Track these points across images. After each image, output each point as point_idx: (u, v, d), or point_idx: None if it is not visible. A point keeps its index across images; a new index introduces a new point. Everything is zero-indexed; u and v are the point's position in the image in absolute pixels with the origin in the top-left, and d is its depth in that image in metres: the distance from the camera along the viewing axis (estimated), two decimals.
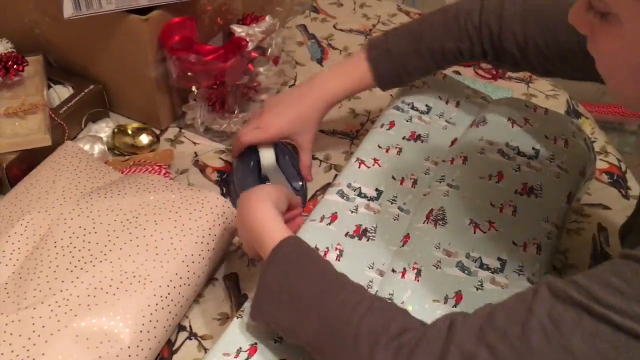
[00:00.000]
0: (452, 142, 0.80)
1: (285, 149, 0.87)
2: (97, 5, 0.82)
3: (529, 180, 0.71)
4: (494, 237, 0.65)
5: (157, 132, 0.95)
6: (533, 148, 0.73)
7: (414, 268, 0.63)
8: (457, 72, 1.09)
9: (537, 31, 0.73)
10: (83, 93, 0.93)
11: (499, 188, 0.70)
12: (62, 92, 0.94)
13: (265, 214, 0.63)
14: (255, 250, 0.65)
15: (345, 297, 0.53)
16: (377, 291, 0.62)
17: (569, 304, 0.43)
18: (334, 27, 1.22)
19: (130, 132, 0.92)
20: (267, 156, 0.84)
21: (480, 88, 0.99)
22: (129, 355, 0.62)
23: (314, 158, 0.93)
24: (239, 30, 0.93)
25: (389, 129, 0.81)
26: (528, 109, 0.78)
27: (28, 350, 0.58)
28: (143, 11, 0.85)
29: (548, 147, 0.74)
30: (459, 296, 0.60)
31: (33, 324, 0.61)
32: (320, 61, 1.14)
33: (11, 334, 0.59)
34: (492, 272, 0.62)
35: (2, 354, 0.58)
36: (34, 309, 0.62)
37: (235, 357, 0.57)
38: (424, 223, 0.67)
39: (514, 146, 0.73)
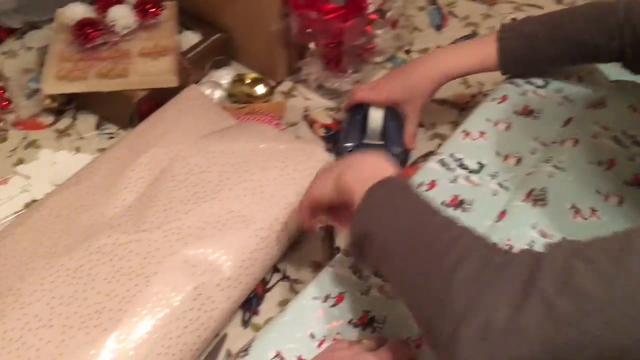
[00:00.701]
0: (566, 122, 0.78)
1: (396, 115, 0.88)
2: None
3: None
4: (594, 225, 0.64)
5: (273, 84, 1.00)
6: None
7: (506, 245, 0.63)
8: None
9: None
10: (209, 41, 0.99)
11: (608, 176, 0.68)
12: (191, 38, 1.01)
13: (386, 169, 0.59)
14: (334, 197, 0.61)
15: (443, 221, 0.51)
16: None
17: None
18: None
19: (248, 81, 0.97)
20: (375, 116, 0.86)
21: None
22: (228, 286, 0.68)
23: (419, 125, 0.93)
24: None
25: (500, 102, 0.80)
26: None
27: (143, 267, 0.66)
28: None
29: None
30: None
31: (149, 245, 0.68)
32: (439, 28, 1.13)
33: (130, 251, 0.67)
34: None
35: (121, 267, 0.66)
36: (151, 233, 0.69)
37: (323, 301, 0.61)
38: (522, 201, 0.67)
39: (631, 134, 0.70)
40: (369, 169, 0.59)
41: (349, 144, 0.87)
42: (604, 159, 0.68)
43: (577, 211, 0.65)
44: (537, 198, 0.66)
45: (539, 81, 0.82)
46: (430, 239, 0.50)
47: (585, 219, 0.65)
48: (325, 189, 0.62)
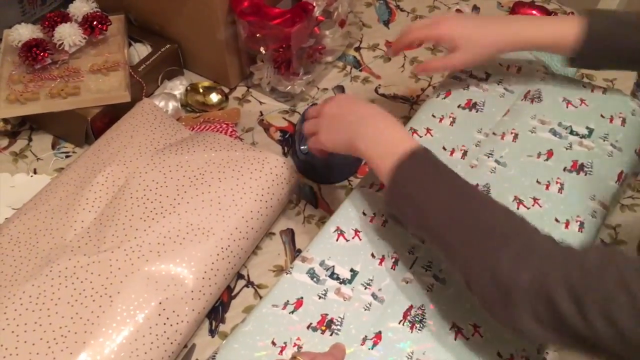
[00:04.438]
0: (506, 113, 0.81)
1: None
2: None
3: (580, 158, 0.71)
4: (536, 213, 0.67)
5: (226, 90, 1.01)
6: (587, 127, 0.74)
7: None
8: None
9: None
10: (160, 52, 1.00)
11: (548, 166, 0.71)
12: (141, 50, 1.01)
13: (391, 122, 0.64)
14: (337, 143, 0.68)
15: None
16: None
17: None
18: None
19: (201, 90, 0.98)
20: None
21: (546, 58, 0.97)
22: (192, 299, 0.70)
23: None
24: None
25: (444, 98, 0.82)
26: (585, 89, 0.77)
27: (106, 288, 0.67)
28: None
29: (603, 125, 0.74)
30: None
31: (111, 265, 0.69)
32: (387, 23, 1.15)
33: (92, 273, 0.68)
34: None
35: (83, 289, 0.67)
36: (112, 252, 0.70)
37: (283, 308, 0.63)
38: None
39: (566, 125, 0.73)
40: (386, 140, 0.63)
41: (304, 147, 0.89)
42: (543, 151, 0.72)
43: (519, 202, 0.68)
44: None
45: (481, 74, 0.84)
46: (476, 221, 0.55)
47: (528, 208, 0.68)
48: (336, 146, 0.68)
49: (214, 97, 0.98)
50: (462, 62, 0.77)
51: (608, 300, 0.45)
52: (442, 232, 0.57)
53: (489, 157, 0.73)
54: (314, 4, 0.94)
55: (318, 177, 0.91)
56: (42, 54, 0.91)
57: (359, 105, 0.68)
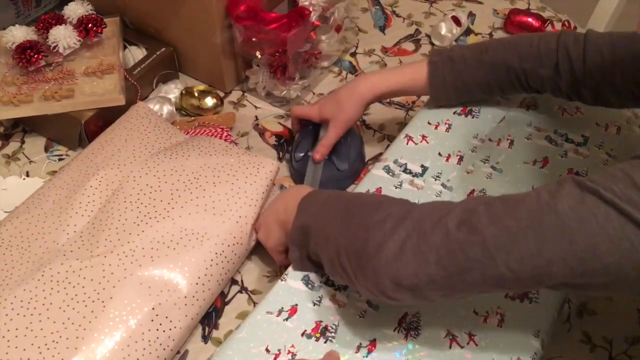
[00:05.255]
0: (502, 120, 0.81)
1: (350, 131, 0.86)
2: None
3: (575, 166, 0.72)
4: None
5: (222, 95, 1.01)
6: (582, 135, 0.74)
7: None
8: None
9: (627, 56, 0.67)
10: (155, 55, 0.99)
11: (543, 173, 0.71)
12: (136, 53, 1.01)
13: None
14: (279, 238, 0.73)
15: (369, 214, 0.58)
16: None
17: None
18: None
19: (196, 94, 0.98)
20: (325, 128, 0.88)
21: None
22: (185, 304, 0.69)
23: (368, 127, 0.96)
24: None
25: (440, 105, 0.82)
26: None
27: (98, 293, 0.66)
28: None
29: (598, 134, 0.74)
30: None
31: (103, 270, 0.68)
32: (383, 28, 1.15)
33: (84, 278, 0.67)
34: None
35: (76, 294, 0.66)
36: (105, 257, 0.69)
37: (277, 315, 0.62)
38: None
39: (562, 133, 0.73)
40: (291, 197, 0.69)
41: (299, 154, 0.88)
42: (539, 158, 0.72)
43: None
44: None
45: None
46: (357, 209, 0.59)
47: None
48: (276, 237, 0.72)
49: (209, 101, 0.97)
50: (336, 135, 0.84)
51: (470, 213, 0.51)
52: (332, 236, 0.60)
53: (485, 162, 0.73)
54: (311, 9, 0.94)
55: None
56: (36, 56, 0.90)
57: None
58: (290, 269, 0.66)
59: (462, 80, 0.77)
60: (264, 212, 0.76)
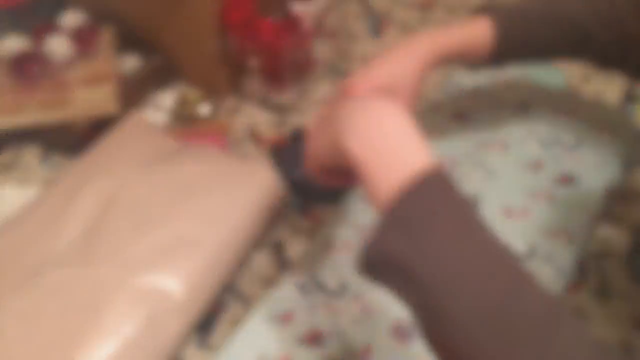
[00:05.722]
0: (495, 124, 0.81)
1: None
2: None
3: (568, 169, 0.72)
4: (525, 223, 0.67)
5: (217, 102, 1.01)
6: (575, 139, 0.74)
7: None
8: None
9: None
10: (150, 64, 0.99)
11: (537, 177, 0.71)
12: (130, 62, 1.01)
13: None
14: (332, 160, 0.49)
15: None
16: None
17: None
18: (393, 0, 1.22)
19: (191, 102, 0.98)
20: None
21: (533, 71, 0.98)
22: (180, 312, 0.69)
23: None
24: (297, 7, 0.96)
25: (433, 109, 0.83)
26: (574, 100, 0.78)
27: (93, 301, 0.66)
28: None
29: (591, 137, 0.74)
30: None
31: (98, 278, 0.68)
32: (377, 35, 1.15)
33: (79, 286, 0.67)
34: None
35: (70, 303, 0.66)
36: (99, 266, 0.69)
37: (272, 322, 0.62)
38: None
39: (555, 137, 0.74)
40: (388, 146, 0.44)
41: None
42: (532, 162, 0.72)
43: (509, 212, 0.68)
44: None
45: (469, 85, 0.85)
46: (521, 318, 0.38)
47: (517, 219, 0.68)
48: (319, 153, 0.50)
49: (204, 109, 0.98)
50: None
51: None
52: (465, 323, 0.39)
53: (479, 166, 0.73)
54: (305, 16, 0.95)
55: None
56: (30, 64, 0.90)
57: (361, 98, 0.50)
58: (284, 277, 0.66)
59: (529, 35, 0.66)
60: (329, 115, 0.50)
